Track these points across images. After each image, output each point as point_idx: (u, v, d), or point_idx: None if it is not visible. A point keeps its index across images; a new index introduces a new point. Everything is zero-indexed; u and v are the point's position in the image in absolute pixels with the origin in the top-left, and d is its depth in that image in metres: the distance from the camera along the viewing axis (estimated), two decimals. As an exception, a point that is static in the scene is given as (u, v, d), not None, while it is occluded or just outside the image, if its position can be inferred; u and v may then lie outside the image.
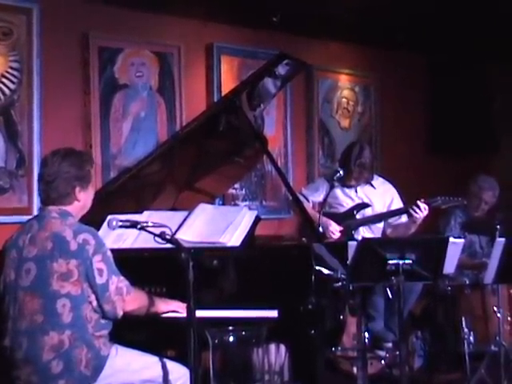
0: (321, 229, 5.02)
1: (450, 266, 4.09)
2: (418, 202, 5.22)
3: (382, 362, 5.34)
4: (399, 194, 5.62)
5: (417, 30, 6.77)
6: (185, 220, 4.08)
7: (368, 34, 6.89)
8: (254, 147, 4.62)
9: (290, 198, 4.55)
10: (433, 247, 4.06)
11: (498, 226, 5.17)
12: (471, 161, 7.46)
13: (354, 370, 5.03)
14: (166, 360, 3.51)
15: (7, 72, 5.27)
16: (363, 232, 5.47)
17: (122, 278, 3.40)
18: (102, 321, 3.38)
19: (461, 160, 7.61)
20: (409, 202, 5.39)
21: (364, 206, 5.50)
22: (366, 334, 4.74)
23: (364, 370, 4.73)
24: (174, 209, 4.57)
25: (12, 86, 5.29)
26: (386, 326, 5.49)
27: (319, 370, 3.79)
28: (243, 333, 3.47)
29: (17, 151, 5.32)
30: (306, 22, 6.39)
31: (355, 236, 5.34)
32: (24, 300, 3.33)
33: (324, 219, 5.23)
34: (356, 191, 5.55)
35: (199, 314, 3.28)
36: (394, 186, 5.65)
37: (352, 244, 4.00)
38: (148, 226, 3.57)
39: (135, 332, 3.65)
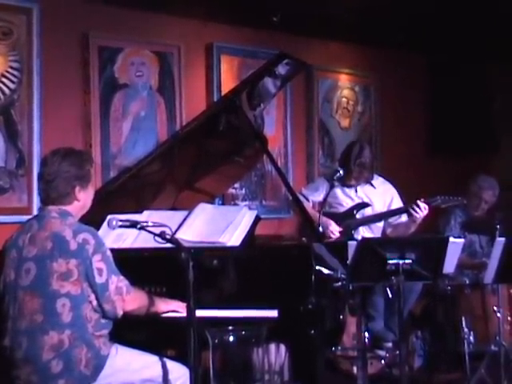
0: (321, 229, 5.02)
1: (449, 265, 4.09)
2: (418, 201, 5.22)
3: (382, 361, 5.34)
4: (399, 193, 5.62)
5: (417, 29, 6.77)
6: (185, 220, 4.08)
7: (368, 34, 6.89)
8: (253, 147, 4.62)
9: (290, 197, 4.55)
10: (433, 247, 4.06)
11: (498, 226, 5.17)
12: (471, 161, 7.46)
13: (354, 369, 5.03)
14: (165, 359, 3.51)
15: (7, 72, 5.27)
16: (363, 232, 5.47)
17: (121, 277, 3.40)
18: (102, 320, 3.38)
19: (461, 160, 7.61)
20: (409, 201, 5.38)
21: (364, 205, 5.50)
22: (366, 334, 4.74)
23: (364, 369, 4.73)
24: (173, 208, 4.57)
25: (12, 86, 5.29)
26: (386, 326, 5.49)
27: (319, 369, 3.78)
28: (243, 332, 3.47)
29: (17, 151, 5.32)
30: (305, 21, 6.39)
31: (355, 236, 5.34)
32: (24, 300, 3.33)
33: (324, 219, 5.23)
34: (356, 191, 5.55)
35: (199, 313, 3.28)
36: (394, 186, 5.65)
37: (352, 244, 4.00)
38: (148, 226, 3.57)
39: (135, 332, 3.65)
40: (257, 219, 4.11)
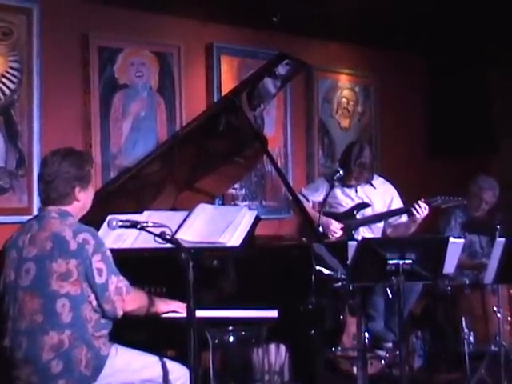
0: (321, 229, 5.02)
1: (449, 265, 4.09)
2: (418, 201, 5.22)
3: (382, 361, 5.34)
4: (399, 194, 5.62)
5: (417, 31, 6.77)
6: (185, 220, 4.08)
7: (368, 35, 6.89)
8: (253, 147, 4.62)
9: (290, 197, 4.55)
10: (433, 247, 4.06)
11: (498, 226, 5.16)
12: (470, 161, 7.46)
13: (354, 369, 5.03)
14: (165, 360, 3.51)
15: (7, 72, 5.27)
16: (363, 232, 5.47)
17: (121, 277, 3.40)
18: (102, 321, 3.38)
19: (460, 160, 7.61)
20: (409, 202, 5.38)
21: (364, 205, 5.50)
22: (366, 334, 4.74)
23: (364, 369, 4.73)
24: (173, 209, 4.57)
25: (12, 86, 5.29)
26: (386, 326, 5.49)
27: (319, 369, 3.78)
28: (243, 333, 3.47)
29: (17, 151, 5.32)
30: (305, 22, 6.39)
31: (355, 236, 5.34)
32: (24, 300, 3.33)
33: (324, 218, 5.23)
34: (356, 191, 5.55)
35: (199, 313, 3.28)
36: (394, 186, 5.65)
37: (352, 244, 4.00)
38: (148, 226, 3.57)
39: (135, 332, 3.65)
40: (257, 219, 4.10)
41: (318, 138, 7.15)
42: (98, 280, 3.33)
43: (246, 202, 6.52)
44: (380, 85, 7.59)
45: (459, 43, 7.08)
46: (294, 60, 4.54)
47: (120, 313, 3.38)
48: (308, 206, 5.38)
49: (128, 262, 3.53)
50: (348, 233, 5.36)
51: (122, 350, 3.44)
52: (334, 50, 7.24)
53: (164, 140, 5.45)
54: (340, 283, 3.90)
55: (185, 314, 3.34)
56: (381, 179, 5.68)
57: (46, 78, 5.42)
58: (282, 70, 4.51)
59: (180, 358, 3.55)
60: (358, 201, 5.53)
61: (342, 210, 5.52)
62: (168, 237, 3.48)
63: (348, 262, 3.95)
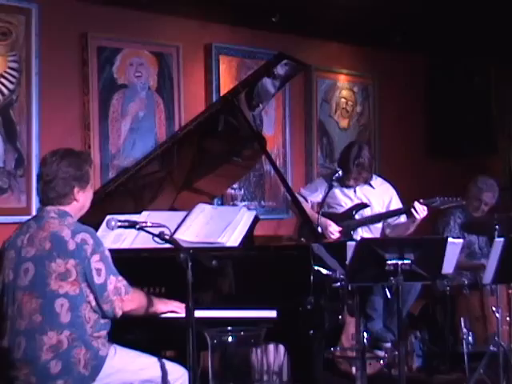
0: (319, 229, 5.02)
1: (448, 266, 4.09)
2: (417, 202, 5.22)
3: (381, 362, 5.34)
4: (398, 194, 5.61)
5: (416, 30, 6.77)
6: (183, 220, 4.08)
7: (367, 35, 6.89)
8: (252, 147, 4.61)
9: (289, 198, 4.55)
10: (432, 247, 4.05)
11: (497, 226, 5.16)
12: (470, 162, 7.46)
13: (353, 370, 5.03)
14: (164, 360, 3.51)
15: (6, 72, 5.27)
16: (362, 232, 5.47)
17: (120, 277, 3.40)
18: (101, 321, 3.38)
19: (459, 161, 7.61)
20: (408, 202, 5.38)
21: (363, 206, 5.50)
22: (365, 334, 4.74)
23: (363, 370, 4.73)
24: (172, 209, 4.57)
25: (11, 86, 5.28)
26: (385, 326, 5.49)
27: (318, 370, 3.78)
28: (242, 333, 3.47)
29: (15, 151, 5.31)
30: (304, 22, 6.40)
31: (354, 236, 5.34)
32: (22, 300, 3.33)
33: (323, 219, 5.23)
34: (355, 191, 5.55)
35: (198, 314, 3.28)
36: (393, 187, 5.65)
37: (351, 244, 4.00)
38: (147, 226, 3.57)
39: (134, 332, 3.65)
40: (256, 220, 4.11)
41: (317, 138, 7.15)
42: (97, 280, 3.33)
43: (245, 202, 6.52)
44: (379, 85, 7.59)
45: (458, 43, 7.09)
46: (292, 60, 4.54)
47: (119, 313, 3.38)
48: (307, 206, 5.38)
49: (127, 262, 3.53)
50: (347, 233, 5.36)
51: (121, 351, 3.44)
52: (332, 50, 7.24)
53: (163, 140, 5.44)
54: (339, 283, 3.90)
55: (183, 314, 3.34)
56: (380, 179, 5.68)
57: (44, 78, 5.42)
58: (280, 70, 4.51)
59: (179, 359, 3.56)
60: (356, 201, 5.52)
61: (340, 210, 5.52)
62: (167, 237, 3.48)
63: (347, 262, 3.95)
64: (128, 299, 3.41)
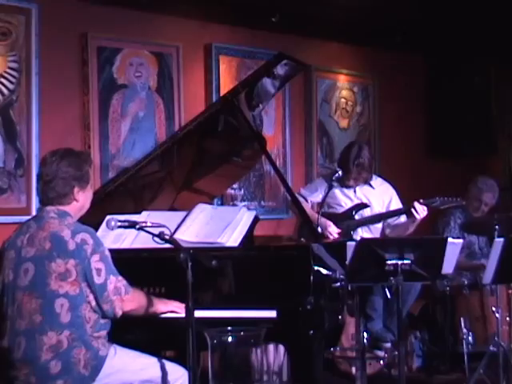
0: (319, 229, 5.02)
1: (448, 266, 4.09)
2: (417, 202, 5.22)
3: (381, 362, 5.34)
4: (398, 194, 5.61)
5: (416, 31, 6.77)
6: (183, 220, 4.08)
7: (367, 35, 6.89)
8: (252, 147, 4.61)
9: (289, 198, 4.55)
10: (431, 247, 4.05)
11: (497, 227, 5.16)
12: (470, 162, 7.46)
13: (353, 370, 5.03)
14: (164, 360, 3.51)
15: (6, 72, 5.27)
16: (362, 232, 5.47)
17: (120, 277, 3.40)
18: (101, 321, 3.38)
19: (459, 162, 7.61)
20: (407, 202, 5.38)
21: (363, 206, 5.50)
22: (365, 335, 4.74)
23: (363, 370, 4.73)
24: (172, 209, 4.57)
25: (11, 87, 5.28)
26: (385, 327, 5.49)
27: (318, 370, 3.78)
28: (242, 333, 3.47)
29: (15, 151, 5.31)
30: (304, 22, 6.39)
31: (354, 236, 5.34)
32: (22, 300, 3.33)
33: (323, 220, 5.23)
34: (355, 191, 5.55)
35: (198, 314, 3.28)
36: (393, 187, 5.65)
37: (351, 244, 4.00)
38: (147, 226, 3.57)
39: (134, 332, 3.65)
40: (255, 220, 4.11)
41: (317, 138, 7.15)
42: (97, 280, 3.33)
43: (245, 202, 6.52)
44: (379, 85, 7.59)
45: (458, 43, 7.09)
46: (292, 60, 4.54)
47: (119, 313, 3.38)
48: (307, 206, 5.38)
49: (127, 262, 3.53)
50: (347, 233, 5.36)
51: (121, 351, 3.44)
52: (332, 50, 7.24)
53: (163, 140, 5.44)
54: (339, 283, 3.90)
55: (183, 315, 3.34)
56: (380, 179, 5.68)
57: (44, 78, 5.41)
58: (280, 70, 4.51)
59: (178, 359, 3.56)
60: (356, 201, 5.52)
61: (340, 210, 5.52)
62: (167, 237, 3.48)
63: (347, 263, 3.95)
64: (128, 299, 3.41)
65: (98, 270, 3.33)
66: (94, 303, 3.34)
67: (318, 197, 5.53)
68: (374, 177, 5.65)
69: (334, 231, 5.31)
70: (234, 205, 6.38)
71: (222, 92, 6.11)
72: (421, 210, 5.20)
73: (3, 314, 3.40)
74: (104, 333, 3.40)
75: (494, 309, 5.03)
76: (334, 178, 5.23)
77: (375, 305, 5.46)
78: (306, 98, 7.08)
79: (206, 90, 6.33)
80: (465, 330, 5.41)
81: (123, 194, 4.39)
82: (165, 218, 3.84)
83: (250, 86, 4.50)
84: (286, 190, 4.53)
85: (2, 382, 3.37)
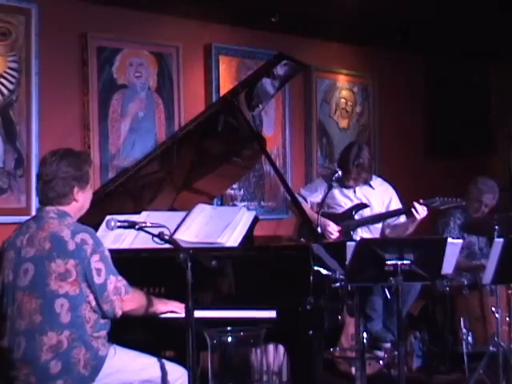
0: (319, 229, 5.02)
1: (448, 266, 4.09)
2: (416, 203, 5.22)
3: (381, 362, 5.34)
4: (398, 194, 5.61)
5: (415, 31, 6.77)
6: (183, 220, 4.08)
7: (367, 35, 6.89)
8: (252, 147, 4.61)
9: (289, 198, 4.55)
10: (431, 248, 4.05)
11: (497, 227, 5.16)
12: (469, 163, 7.46)
13: (353, 370, 5.03)
14: (164, 360, 3.51)
15: (6, 72, 5.27)
16: (362, 232, 5.47)
17: (120, 277, 3.40)
18: (101, 321, 3.38)
19: (459, 162, 7.61)
20: (407, 202, 5.38)
21: (362, 206, 5.50)
22: (365, 335, 4.74)
23: (362, 370, 4.73)
24: (172, 209, 4.57)
25: (10, 87, 5.29)
26: (385, 327, 5.49)
27: (317, 370, 3.78)
28: (242, 333, 3.47)
29: (15, 151, 5.32)
30: (304, 22, 6.40)
31: (354, 236, 5.34)
32: (22, 300, 3.33)
33: (322, 219, 5.23)
34: (354, 192, 5.55)
35: (197, 314, 3.28)
36: (393, 187, 5.65)
37: (350, 244, 4.00)
38: (146, 227, 3.57)
39: (133, 332, 3.65)
40: (255, 220, 4.11)
41: (317, 138, 7.15)
42: (97, 280, 3.33)
43: (245, 203, 6.52)
44: (378, 85, 7.59)
45: (458, 44, 7.09)
46: (292, 60, 4.54)
47: (119, 313, 3.38)
48: (306, 206, 5.38)
49: (126, 263, 3.53)
50: (346, 233, 5.36)
51: (121, 351, 3.44)
52: (332, 50, 7.24)
53: (162, 140, 5.44)
54: (338, 283, 3.90)
55: (183, 315, 3.34)
56: (379, 180, 5.68)
57: (44, 78, 5.42)
58: (280, 70, 4.51)
59: (178, 359, 3.55)
60: (356, 201, 5.52)
61: (340, 210, 5.52)
62: (166, 237, 3.48)
63: (346, 263, 3.95)
64: (128, 299, 3.41)
65: (98, 270, 3.33)
66: (93, 303, 3.34)
67: (317, 197, 5.53)
68: (374, 177, 5.65)
69: (333, 230, 5.31)
70: (234, 205, 6.39)
71: (222, 92, 6.12)
72: (421, 211, 5.20)
73: (3, 314, 3.40)
74: (104, 333, 3.40)
75: (493, 309, 5.03)
76: (333, 179, 5.23)
77: (375, 305, 5.46)
78: (306, 98, 7.08)
79: (206, 90, 6.34)
80: (464, 331, 5.41)
81: (123, 194, 4.38)
82: (164, 218, 3.84)
83: (249, 86, 4.50)
84: (285, 190, 4.53)
85: (1, 382, 3.37)
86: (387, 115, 7.62)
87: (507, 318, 5.18)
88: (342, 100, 7.38)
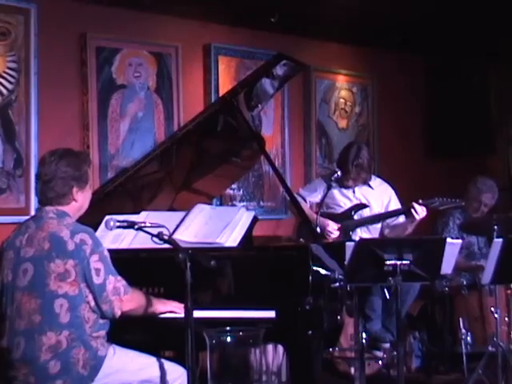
0: (318, 229, 5.02)
1: (447, 266, 4.09)
2: (415, 203, 5.22)
3: (380, 362, 5.34)
4: (397, 195, 5.61)
5: (415, 31, 6.77)
6: (182, 220, 4.08)
7: (366, 35, 6.89)
8: (251, 147, 4.61)
9: (288, 198, 4.55)
10: (430, 248, 4.05)
11: (496, 227, 5.16)
12: (469, 163, 7.46)
13: (352, 370, 5.03)
14: (163, 360, 3.51)
15: (5, 72, 5.27)
16: (361, 232, 5.47)
17: (119, 277, 3.40)
18: (100, 321, 3.38)
19: (458, 162, 7.61)
20: (407, 203, 5.38)
21: (362, 206, 5.50)
22: (364, 335, 4.74)
23: (361, 370, 4.73)
24: (171, 209, 4.57)
25: (10, 86, 5.29)
26: (384, 327, 5.49)
27: (316, 370, 3.78)
28: (241, 333, 3.47)
29: (14, 151, 5.31)
30: (303, 22, 6.40)
31: (353, 236, 5.34)
32: (22, 300, 3.33)
33: (321, 219, 5.23)
34: (354, 192, 5.54)
35: (197, 314, 3.28)
36: (392, 187, 5.65)
37: (349, 244, 4.00)
38: (145, 227, 3.57)
39: (133, 332, 3.65)
40: (254, 220, 4.11)
41: (316, 138, 7.15)
42: (96, 280, 3.33)
43: (244, 203, 6.52)
44: (378, 85, 7.59)
45: (457, 44, 7.09)
46: (291, 60, 4.54)
47: (118, 313, 3.38)
48: (306, 206, 5.38)
49: (126, 263, 3.53)
50: (345, 233, 5.36)
51: (120, 351, 3.44)
52: (331, 50, 7.24)
53: (162, 140, 5.44)
54: (338, 284, 3.90)
55: (182, 315, 3.34)
56: (378, 180, 5.68)
57: (43, 78, 5.42)
58: (279, 70, 4.51)
59: (178, 359, 3.55)
60: (355, 201, 5.52)
61: (339, 210, 5.52)
62: (165, 237, 3.48)
63: (345, 263, 3.95)
64: (127, 299, 3.41)
65: (97, 270, 3.33)
66: (93, 303, 3.34)
67: (316, 197, 5.53)
68: (373, 177, 5.64)
69: (333, 229, 5.31)
70: (233, 205, 6.39)
71: (221, 92, 6.12)
72: (420, 211, 5.20)
73: (2, 314, 3.40)
74: (103, 333, 3.40)
75: (492, 309, 5.03)
76: (332, 179, 5.23)
77: (374, 305, 5.46)
78: (305, 98, 7.08)
79: (205, 90, 6.34)
80: (463, 331, 5.41)
81: (122, 194, 4.38)
82: (164, 218, 3.84)
83: (249, 87, 4.50)
84: (284, 191, 4.53)
85: (1, 382, 3.37)
86: (387, 115, 7.62)
87: (506, 318, 5.18)
88: (342, 100, 7.38)
